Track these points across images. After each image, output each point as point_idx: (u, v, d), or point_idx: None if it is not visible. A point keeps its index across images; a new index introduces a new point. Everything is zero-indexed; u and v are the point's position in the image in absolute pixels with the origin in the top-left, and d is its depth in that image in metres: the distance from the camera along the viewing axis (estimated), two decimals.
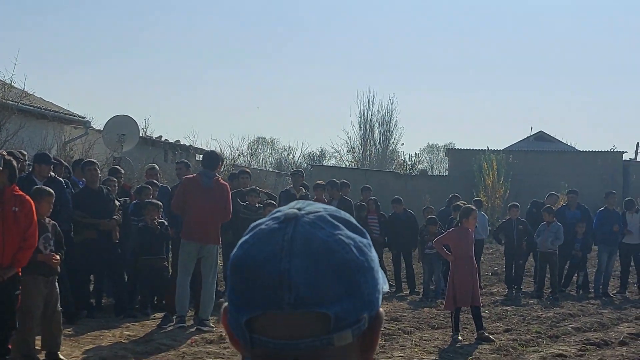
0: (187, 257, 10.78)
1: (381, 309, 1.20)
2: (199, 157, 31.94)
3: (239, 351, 1.20)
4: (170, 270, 12.00)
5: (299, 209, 1.19)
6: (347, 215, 1.22)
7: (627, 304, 15.04)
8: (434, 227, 15.22)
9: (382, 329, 1.20)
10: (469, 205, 12.05)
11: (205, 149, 29.18)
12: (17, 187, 8.37)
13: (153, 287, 12.27)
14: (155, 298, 12.49)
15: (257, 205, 13.76)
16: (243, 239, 1.19)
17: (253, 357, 1.16)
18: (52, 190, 9.15)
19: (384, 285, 1.23)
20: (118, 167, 14.80)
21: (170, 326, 10.79)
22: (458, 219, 11.47)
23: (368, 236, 1.23)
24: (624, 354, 10.26)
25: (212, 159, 11.22)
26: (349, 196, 16.18)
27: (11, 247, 8.06)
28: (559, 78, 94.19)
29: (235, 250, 1.19)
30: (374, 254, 1.21)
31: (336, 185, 16.07)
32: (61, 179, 11.44)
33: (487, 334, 10.90)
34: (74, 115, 24.03)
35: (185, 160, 15.86)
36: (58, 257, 8.84)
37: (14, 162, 8.37)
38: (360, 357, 1.17)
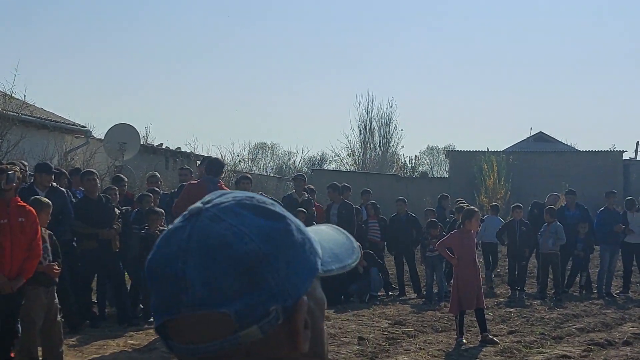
0: None
1: (304, 297, 1.11)
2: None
3: None
4: None
5: (206, 203, 1.15)
6: (262, 201, 1.16)
7: (631, 303, 15.04)
8: (435, 230, 15.23)
9: (306, 318, 1.12)
10: (472, 207, 12.06)
11: (206, 155, 29.23)
12: (19, 198, 8.43)
13: None
14: None
15: None
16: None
17: None
18: (49, 202, 9.18)
19: (331, 265, 1.19)
20: (121, 175, 14.83)
21: None
22: (460, 220, 11.46)
23: (289, 220, 1.16)
24: (628, 354, 10.26)
25: (216, 165, 11.33)
26: (350, 200, 16.19)
27: (19, 257, 8.15)
28: (558, 78, 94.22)
29: (153, 252, 1.15)
30: (294, 239, 1.14)
31: (338, 188, 16.08)
32: (63, 189, 11.47)
33: (491, 336, 10.90)
34: (75, 125, 24.05)
35: (188, 167, 15.89)
36: (58, 267, 8.88)
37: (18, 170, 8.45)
38: (292, 348, 1.11)
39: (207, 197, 1.17)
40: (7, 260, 8.09)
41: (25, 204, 8.35)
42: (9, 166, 9.85)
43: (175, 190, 13.97)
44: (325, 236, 1.26)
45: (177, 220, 1.14)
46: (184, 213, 1.14)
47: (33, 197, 9.11)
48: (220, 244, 1.08)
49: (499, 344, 10.68)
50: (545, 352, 10.29)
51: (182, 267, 1.08)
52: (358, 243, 1.32)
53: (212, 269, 1.07)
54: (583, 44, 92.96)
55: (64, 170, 13.40)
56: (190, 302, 1.07)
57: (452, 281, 11.34)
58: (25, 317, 8.36)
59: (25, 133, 18.30)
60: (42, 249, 8.50)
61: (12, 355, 8.36)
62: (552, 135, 47.79)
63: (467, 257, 10.92)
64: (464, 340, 10.75)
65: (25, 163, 11.83)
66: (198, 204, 1.15)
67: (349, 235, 1.31)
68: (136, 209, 12.77)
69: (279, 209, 1.17)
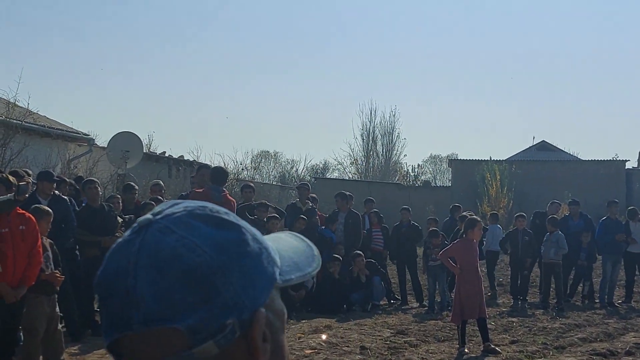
0: None
1: (262, 309, 1.07)
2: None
3: None
4: None
5: (156, 214, 1.10)
6: (215, 211, 1.12)
7: (633, 313, 15.02)
8: (437, 240, 15.24)
9: (265, 330, 1.08)
10: (474, 217, 12.06)
11: (209, 163, 29.24)
12: (19, 207, 8.44)
13: None
14: None
15: (265, 219, 13.78)
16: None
17: None
18: (50, 210, 9.21)
19: (290, 274, 1.16)
20: (132, 183, 14.87)
21: None
22: (463, 230, 11.46)
23: (244, 229, 1.12)
24: None
25: (220, 174, 11.43)
26: (352, 208, 16.21)
27: (21, 265, 8.19)
28: (561, 87, 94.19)
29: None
30: (249, 248, 1.09)
31: (345, 197, 16.14)
32: (65, 197, 11.49)
33: (493, 346, 10.89)
34: (78, 133, 24.09)
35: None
36: (61, 275, 8.90)
37: (12, 179, 8.46)
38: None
39: (157, 208, 1.12)
40: (9, 269, 8.11)
41: (25, 212, 8.39)
42: (22, 176, 9.92)
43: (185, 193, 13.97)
44: (284, 244, 1.22)
45: (126, 233, 1.10)
46: (134, 225, 1.09)
47: (34, 206, 9.13)
48: (171, 257, 1.03)
49: (501, 353, 10.66)
50: None
51: (132, 282, 1.03)
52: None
53: (163, 283, 1.02)
54: (586, 53, 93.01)
55: (66, 179, 13.42)
56: (141, 319, 1.02)
57: (454, 291, 11.32)
58: (28, 326, 8.38)
59: (28, 141, 18.33)
60: (43, 256, 8.52)
61: None
62: (554, 144, 47.82)
63: (469, 266, 10.92)
64: (466, 350, 10.74)
65: (30, 172, 11.84)
66: (148, 215, 1.10)
67: (309, 242, 1.27)
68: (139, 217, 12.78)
69: (233, 218, 1.13)
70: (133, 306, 1.02)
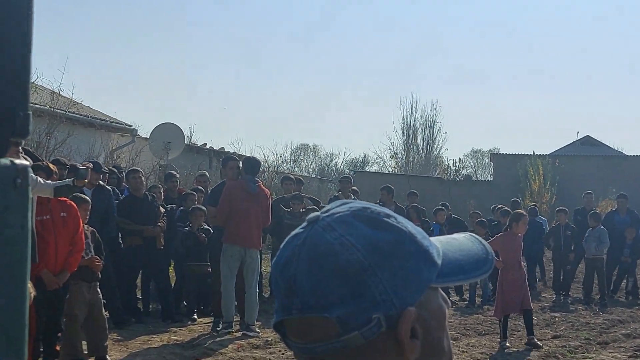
0: (232, 260, 10.82)
1: (410, 308, 1.13)
2: None
3: None
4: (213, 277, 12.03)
5: (325, 212, 1.21)
6: (377, 212, 1.19)
7: None
8: (482, 230, 15.14)
9: (416, 327, 1.14)
10: (520, 210, 11.97)
11: (249, 155, 29.32)
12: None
13: (198, 292, 12.34)
14: (201, 304, 12.57)
15: (300, 211, 13.77)
16: None
17: None
18: (88, 198, 9.27)
19: (451, 277, 1.21)
20: (173, 172, 14.97)
21: (219, 331, 10.85)
22: (507, 223, 11.36)
23: (404, 231, 1.17)
24: None
25: (254, 164, 11.36)
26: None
27: (62, 252, 8.26)
28: (606, 81, 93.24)
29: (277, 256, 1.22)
30: (404, 250, 1.15)
31: (392, 191, 16.14)
32: (109, 187, 11.58)
33: (536, 340, 10.80)
34: (121, 124, 24.31)
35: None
36: (100, 260, 8.96)
37: (52, 167, 8.52)
38: (398, 355, 1.15)
39: (327, 207, 1.23)
40: (51, 256, 8.18)
41: (66, 199, 8.44)
42: (85, 164, 10.03)
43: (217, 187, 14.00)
44: (454, 246, 1.27)
45: (299, 227, 1.21)
46: (304, 223, 1.20)
47: (73, 194, 9.20)
48: (327, 253, 1.14)
49: (542, 347, 10.57)
50: (590, 358, 10.18)
51: (293, 273, 1.15)
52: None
53: (318, 276, 1.13)
54: (633, 47, 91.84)
55: (106, 168, 13.55)
56: (299, 306, 1.14)
57: (497, 284, 11.22)
58: (67, 312, 8.46)
59: (72, 131, 18.53)
60: (84, 243, 8.58)
61: (57, 349, 8.47)
62: (599, 139, 47.25)
63: (512, 260, 10.83)
64: (508, 344, 10.66)
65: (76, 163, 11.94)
66: (317, 212, 1.21)
67: (486, 245, 1.30)
68: (181, 207, 12.86)
69: (394, 220, 1.19)
70: (293, 294, 1.14)
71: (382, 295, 1.12)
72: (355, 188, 16.78)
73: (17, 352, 1.10)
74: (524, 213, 11.50)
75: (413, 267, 1.16)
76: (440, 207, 16.77)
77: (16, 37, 1.14)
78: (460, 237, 1.32)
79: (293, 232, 1.20)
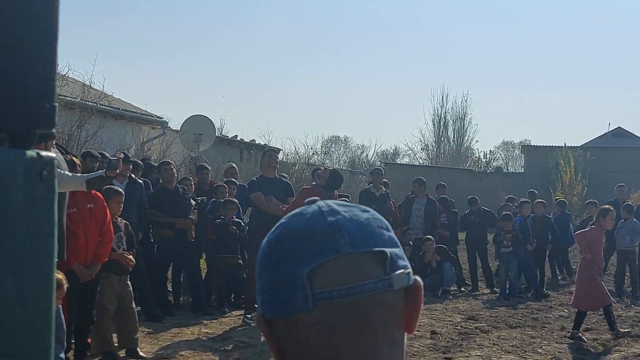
0: None
1: (419, 278, 1.20)
2: None
3: (276, 355, 1.20)
4: (247, 270, 12.04)
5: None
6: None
7: None
8: (509, 224, 15.07)
9: (422, 302, 1.21)
10: (607, 206, 11.93)
11: (280, 147, 29.40)
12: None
13: (229, 285, 12.36)
14: (232, 295, 12.60)
15: None
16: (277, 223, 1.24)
17: (313, 320, 1.14)
18: (120, 190, 9.28)
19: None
20: (205, 164, 15.02)
21: (250, 322, 10.87)
22: (595, 218, 11.35)
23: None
24: None
25: (338, 180, 11.52)
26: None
27: (92, 244, 8.27)
28: (637, 72, 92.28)
29: (272, 231, 1.22)
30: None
31: (424, 183, 16.09)
32: (140, 181, 11.59)
33: (622, 333, 10.79)
34: (152, 116, 24.41)
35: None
36: (131, 256, 8.99)
37: (76, 160, 8.50)
38: (402, 327, 1.20)
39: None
40: (81, 248, 8.20)
41: (91, 190, 8.44)
42: (96, 157, 10.03)
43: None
44: None
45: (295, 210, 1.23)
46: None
47: (105, 187, 9.22)
48: (359, 210, 1.22)
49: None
50: (622, 351, 10.10)
51: (332, 220, 1.17)
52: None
53: (361, 221, 1.18)
54: None
55: (137, 160, 13.60)
56: (349, 243, 1.14)
57: (581, 277, 11.15)
58: (98, 305, 8.50)
59: (103, 123, 18.62)
60: (113, 233, 8.60)
61: (89, 341, 8.52)
62: (631, 131, 46.84)
63: (598, 255, 10.88)
64: (580, 335, 10.66)
65: (106, 154, 11.98)
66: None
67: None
68: (212, 199, 12.88)
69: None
70: (338, 235, 1.15)
71: (404, 260, 1.20)
72: (386, 180, 16.73)
73: (44, 348, 1.10)
74: (611, 208, 11.45)
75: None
76: (526, 200, 16.88)
77: (42, 29, 1.13)
78: None
79: (293, 212, 1.23)
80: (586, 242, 10.85)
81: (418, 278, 1.19)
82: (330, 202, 1.21)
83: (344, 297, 1.12)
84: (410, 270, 1.18)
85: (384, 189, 15.28)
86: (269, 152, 11.96)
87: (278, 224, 1.22)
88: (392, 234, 1.21)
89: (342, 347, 1.14)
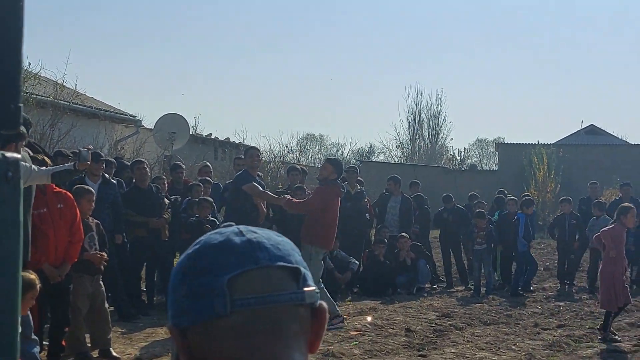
0: (321, 267, 10.89)
1: (325, 304, 1.29)
2: None
3: None
4: None
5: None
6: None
7: None
8: (482, 222, 15.15)
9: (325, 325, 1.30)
10: (628, 204, 11.98)
11: (255, 146, 29.32)
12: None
13: None
14: None
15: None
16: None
17: (230, 324, 1.21)
18: (91, 189, 9.21)
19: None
20: (179, 163, 14.97)
21: None
22: (616, 216, 11.32)
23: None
24: None
25: (340, 166, 11.56)
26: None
27: (62, 244, 8.19)
28: (610, 70, 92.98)
29: (192, 246, 1.32)
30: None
31: (399, 181, 16.12)
32: (114, 181, 11.52)
33: (610, 338, 10.76)
34: (125, 115, 24.30)
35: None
36: (104, 255, 8.94)
37: (47, 160, 8.40)
38: (307, 346, 1.26)
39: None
40: (51, 248, 8.12)
41: (61, 190, 8.37)
42: (67, 156, 9.94)
43: (230, 181, 13.95)
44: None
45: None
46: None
47: (76, 186, 9.14)
48: (275, 234, 1.32)
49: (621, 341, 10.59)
50: (594, 347, 10.17)
51: (251, 237, 1.27)
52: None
53: (276, 240, 1.28)
54: (636, 36, 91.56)
55: (124, 160, 13.52)
56: (267, 257, 1.23)
57: (599, 276, 11.20)
58: (70, 305, 8.44)
59: (76, 122, 18.50)
60: (87, 236, 8.54)
61: (64, 344, 8.46)
62: (603, 129, 47.16)
63: (621, 253, 10.91)
64: (611, 334, 10.67)
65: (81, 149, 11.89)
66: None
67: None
68: (187, 198, 12.84)
69: None
70: (258, 250, 1.24)
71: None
72: (360, 178, 16.74)
73: (9, 349, 1.10)
74: (632, 206, 11.49)
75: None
76: (528, 198, 17.04)
77: (6, 30, 1.13)
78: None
79: (216, 230, 1.34)
80: (613, 239, 10.85)
81: (324, 303, 1.28)
82: (248, 227, 1.30)
83: (260, 305, 1.20)
84: (319, 292, 1.26)
85: (359, 187, 15.30)
86: (250, 152, 11.85)
87: (198, 240, 1.32)
88: (301, 258, 1.30)
89: (257, 351, 1.21)
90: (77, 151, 8.45)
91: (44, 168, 7.79)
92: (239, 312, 1.20)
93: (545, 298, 14.50)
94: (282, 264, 1.24)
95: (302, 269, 1.25)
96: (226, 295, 1.20)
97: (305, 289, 1.24)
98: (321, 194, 10.92)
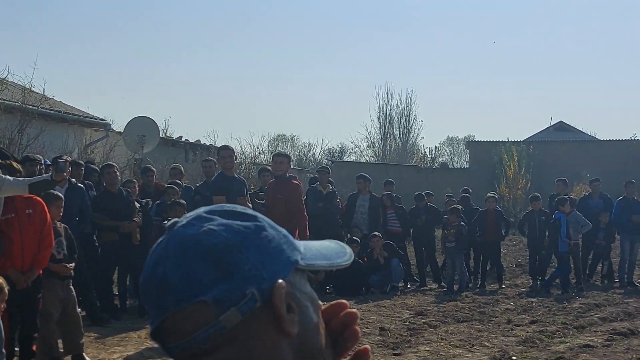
0: None
1: (280, 280, 1.15)
2: None
3: None
4: None
5: (181, 218, 1.23)
6: (230, 207, 1.24)
7: None
8: (455, 218, 15.20)
9: (290, 303, 1.16)
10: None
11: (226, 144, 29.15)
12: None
13: None
14: None
15: None
16: None
17: None
18: (60, 194, 9.14)
19: (315, 260, 1.25)
20: (150, 166, 14.89)
21: None
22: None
23: (261, 219, 1.23)
24: None
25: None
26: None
27: (30, 250, 8.11)
28: (578, 67, 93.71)
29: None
30: (266, 232, 1.20)
31: (367, 179, 16.09)
32: (81, 185, 11.46)
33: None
34: (94, 118, 24.12)
35: (212, 159, 15.55)
36: (72, 265, 8.86)
37: (16, 166, 8.31)
38: (279, 333, 1.16)
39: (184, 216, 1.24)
40: (17, 254, 8.03)
41: (31, 196, 8.29)
42: (35, 161, 9.84)
43: (200, 183, 13.87)
44: (315, 244, 1.31)
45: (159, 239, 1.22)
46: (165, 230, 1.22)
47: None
48: (193, 243, 1.16)
49: None
50: (567, 342, 10.23)
51: (162, 272, 1.15)
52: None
53: (187, 265, 1.14)
54: (603, 33, 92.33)
55: (93, 164, 13.42)
56: (174, 301, 1.14)
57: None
58: (42, 311, 8.36)
59: (44, 127, 18.34)
60: (53, 238, 8.46)
61: (34, 349, 8.38)
62: (572, 125, 47.49)
63: None
64: None
65: (40, 157, 11.79)
66: (173, 220, 1.23)
67: (341, 243, 1.36)
68: (157, 201, 12.77)
69: (250, 211, 1.24)
70: (166, 292, 1.14)
71: (252, 271, 1.15)
72: (331, 179, 16.74)
73: None
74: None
75: (277, 247, 1.20)
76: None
77: None
78: (320, 242, 1.35)
79: (156, 243, 1.21)
80: None
81: (279, 282, 1.15)
82: (176, 234, 1.18)
83: (187, 350, 1.14)
84: (252, 292, 1.13)
85: (331, 187, 15.30)
86: (221, 152, 11.73)
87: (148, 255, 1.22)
88: (237, 254, 1.15)
89: None
90: (54, 161, 8.37)
91: (20, 179, 7.73)
92: (177, 358, 1.17)
93: (518, 294, 14.57)
94: (188, 303, 1.13)
95: (211, 298, 1.12)
96: (160, 343, 1.18)
97: (223, 314, 1.12)
98: (300, 191, 10.96)
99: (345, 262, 1.31)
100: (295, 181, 11.57)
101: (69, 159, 9.90)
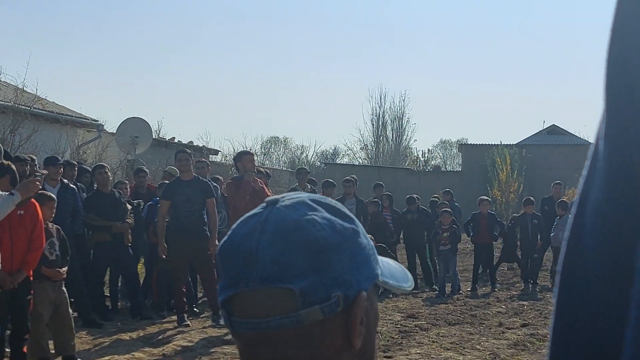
0: None
1: (364, 292, 1.15)
2: (213, 157, 32.02)
3: None
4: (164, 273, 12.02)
5: (282, 197, 1.21)
6: (333, 202, 1.23)
7: None
8: (447, 218, 15.22)
9: (363, 316, 1.15)
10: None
11: (218, 149, 29.22)
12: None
13: (171, 288, 12.24)
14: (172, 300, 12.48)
15: None
16: None
17: (239, 345, 1.18)
18: (53, 195, 9.12)
19: (389, 279, 1.26)
20: (143, 167, 14.89)
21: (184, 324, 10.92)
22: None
23: (358, 224, 1.22)
24: None
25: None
26: (360, 193, 16.21)
27: (20, 251, 8.04)
28: (571, 71, 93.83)
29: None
30: (360, 239, 1.20)
31: (354, 183, 16.13)
32: (73, 185, 11.47)
33: None
34: (87, 119, 24.08)
35: (205, 160, 15.66)
36: (65, 269, 8.84)
37: (13, 167, 8.27)
38: (346, 342, 1.15)
39: (280, 195, 1.23)
40: (6, 255, 7.95)
41: None
42: (25, 161, 9.81)
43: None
44: (387, 260, 1.32)
45: (254, 210, 1.20)
46: (262, 204, 1.20)
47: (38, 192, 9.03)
48: (294, 228, 1.14)
49: None
50: None
51: (255, 245, 1.13)
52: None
53: (283, 248, 1.12)
54: (595, 36, 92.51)
55: (85, 164, 13.40)
56: (259, 277, 1.12)
57: None
58: (32, 311, 8.33)
59: (37, 127, 18.31)
60: (44, 240, 8.41)
61: (25, 350, 8.36)
62: (565, 128, 47.58)
63: None
64: None
65: (34, 157, 11.77)
66: (275, 196, 1.22)
67: (404, 268, 1.39)
68: (149, 203, 12.76)
69: (349, 213, 1.23)
70: (253, 265, 1.12)
71: (342, 275, 1.14)
72: (313, 178, 16.78)
73: None
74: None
75: (367, 257, 1.19)
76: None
77: None
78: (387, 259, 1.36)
79: (249, 213, 1.19)
80: None
81: (363, 294, 1.15)
82: (278, 213, 1.16)
83: (253, 331, 1.13)
84: (337, 295, 1.12)
85: (310, 187, 15.37)
86: (177, 156, 11.69)
87: (234, 225, 1.21)
88: (335, 253, 1.14)
89: None
90: (33, 159, 8.31)
91: (6, 194, 7.65)
92: (240, 334, 1.16)
93: (510, 297, 14.59)
94: (273, 285, 1.11)
95: (298, 288, 1.10)
96: (225, 315, 1.17)
97: (306, 309, 1.11)
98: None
99: (408, 287, 1.33)
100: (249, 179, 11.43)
101: (45, 172, 9.86)
